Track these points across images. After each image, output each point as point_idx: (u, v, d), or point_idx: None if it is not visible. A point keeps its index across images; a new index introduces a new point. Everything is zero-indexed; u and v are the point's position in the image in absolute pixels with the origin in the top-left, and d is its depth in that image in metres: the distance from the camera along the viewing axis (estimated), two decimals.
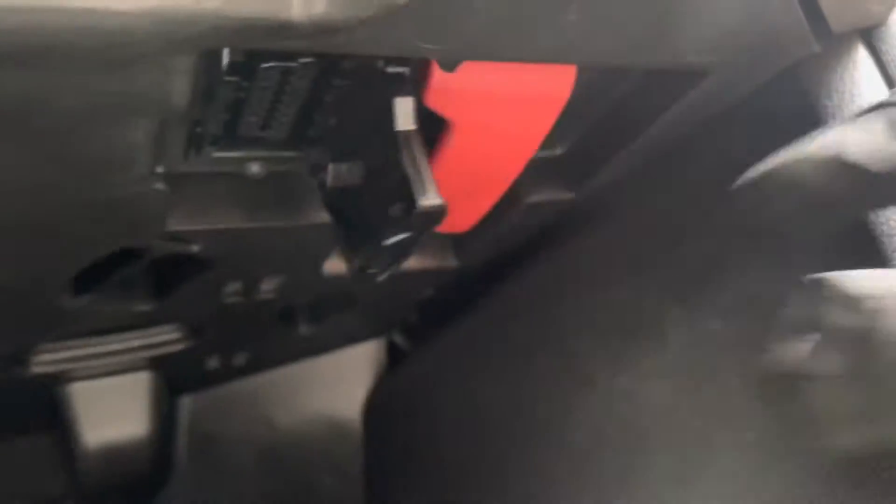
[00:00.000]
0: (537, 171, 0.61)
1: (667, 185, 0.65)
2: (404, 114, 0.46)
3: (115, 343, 0.74)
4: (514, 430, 0.70)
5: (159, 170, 0.46)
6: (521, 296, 0.73)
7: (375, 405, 0.96)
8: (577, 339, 0.66)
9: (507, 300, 0.75)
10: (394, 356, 0.98)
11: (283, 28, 0.33)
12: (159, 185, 0.47)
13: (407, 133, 0.47)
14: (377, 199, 0.49)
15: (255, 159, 0.53)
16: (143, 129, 0.41)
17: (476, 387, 0.75)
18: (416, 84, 0.48)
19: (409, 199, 0.46)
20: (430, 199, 0.46)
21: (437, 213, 0.46)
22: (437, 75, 0.48)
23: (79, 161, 0.41)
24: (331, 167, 0.52)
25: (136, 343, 0.75)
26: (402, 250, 0.50)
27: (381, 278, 0.53)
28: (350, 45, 0.39)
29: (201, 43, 0.33)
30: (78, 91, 0.35)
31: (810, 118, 0.53)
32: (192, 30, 0.31)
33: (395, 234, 0.48)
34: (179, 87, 0.38)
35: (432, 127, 0.52)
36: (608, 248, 0.67)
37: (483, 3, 0.39)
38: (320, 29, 0.34)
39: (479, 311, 0.77)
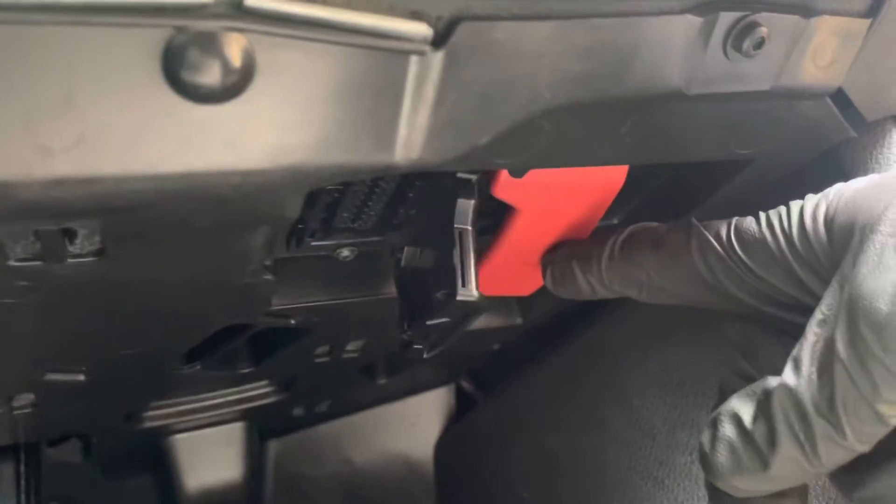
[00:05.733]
0: None
1: None
2: (463, 214, 0.53)
3: (214, 399, 0.82)
4: (581, 477, 0.75)
5: (268, 262, 0.54)
6: (585, 352, 0.78)
7: (447, 447, 1.02)
8: (638, 395, 0.71)
9: (573, 356, 0.80)
10: (462, 400, 1.04)
11: (387, 169, 0.39)
12: (268, 276, 0.54)
13: (462, 230, 0.53)
14: (432, 283, 0.56)
15: (346, 245, 0.60)
16: (261, 235, 0.48)
17: (544, 435, 0.80)
18: (484, 179, 0.55)
19: (452, 289, 0.52)
20: (467, 291, 0.52)
21: (473, 306, 0.52)
22: (505, 173, 0.54)
23: (208, 260, 0.49)
24: (406, 249, 0.59)
25: (232, 398, 0.82)
26: (444, 334, 0.57)
27: (426, 356, 0.60)
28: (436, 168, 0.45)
29: (322, 183, 0.40)
30: (215, 215, 0.43)
31: None
32: (318, 176, 0.38)
33: (438, 317, 0.55)
34: (293, 206, 0.45)
35: (499, 209, 0.58)
36: (665, 308, 0.72)
37: (550, 126, 0.45)
38: (416, 168, 0.40)
39: (546, 365, 0.82)
